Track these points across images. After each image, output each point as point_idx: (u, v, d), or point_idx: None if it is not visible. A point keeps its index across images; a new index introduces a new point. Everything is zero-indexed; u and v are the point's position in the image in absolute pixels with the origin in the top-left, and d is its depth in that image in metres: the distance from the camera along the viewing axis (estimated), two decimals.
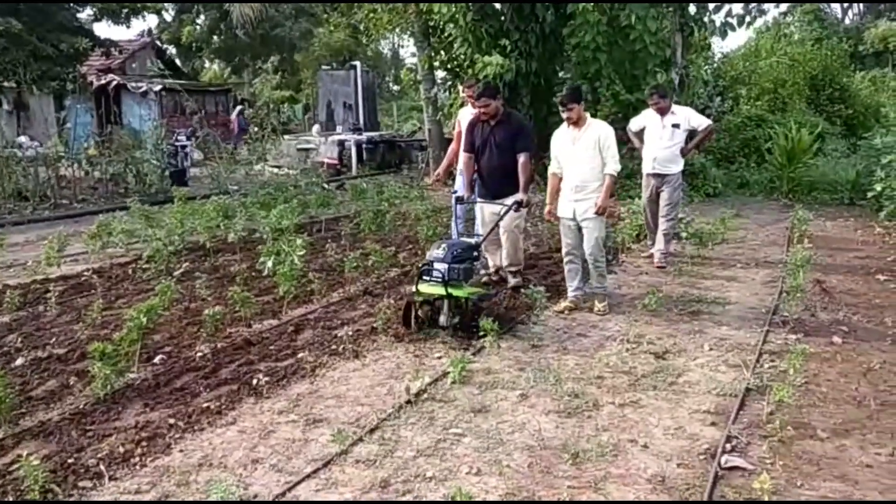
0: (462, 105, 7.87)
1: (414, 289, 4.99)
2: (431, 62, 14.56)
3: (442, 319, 4.95)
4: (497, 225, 5.83)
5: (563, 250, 5.77)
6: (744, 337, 5.06)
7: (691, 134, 7.25)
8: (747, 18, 15.29)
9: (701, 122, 7.23)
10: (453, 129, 7.70)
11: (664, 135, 7.05)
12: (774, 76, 17.45)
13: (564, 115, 5.47)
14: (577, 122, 5.47)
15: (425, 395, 4.03)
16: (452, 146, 7.12)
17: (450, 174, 7.52)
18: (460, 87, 9.62)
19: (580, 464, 3.29)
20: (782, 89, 17.23)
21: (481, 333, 4.72)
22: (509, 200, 5.74)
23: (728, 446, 3.44)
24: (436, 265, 4.92)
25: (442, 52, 14.39)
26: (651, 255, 7.41)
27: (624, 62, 12.01)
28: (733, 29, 13.43)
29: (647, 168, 7.28)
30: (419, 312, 5.08)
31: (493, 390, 4.13)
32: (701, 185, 11.94)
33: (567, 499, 3.00)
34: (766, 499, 2.95)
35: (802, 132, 12.49)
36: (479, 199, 6.19)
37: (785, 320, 5.37)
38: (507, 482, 3.14)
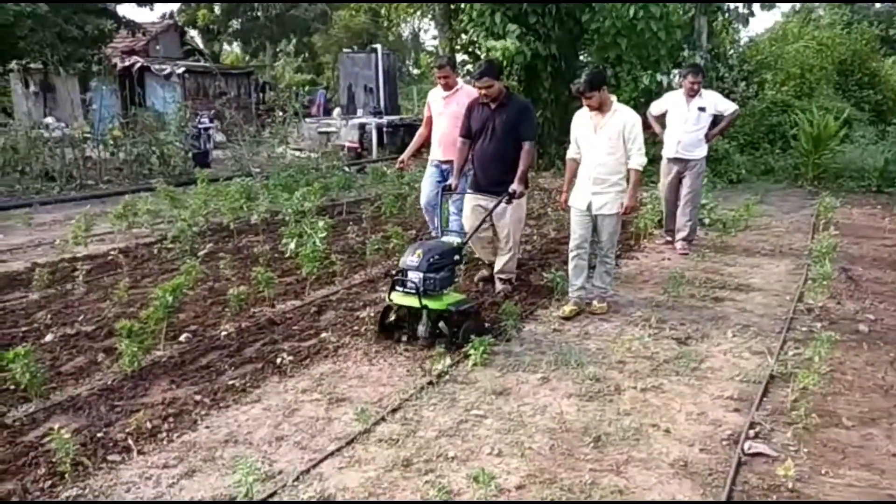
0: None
1: (387, 298, 4.57)
2: (452, 45, 14.47)
3: (421, 330, 4.47)
4: (484, 221, 5.27)
5: (572, 243, 5.23)
6: (768, 324, 5.02)
7: (715, 119, 7.10)
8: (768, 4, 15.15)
9: (727, 106, 7.06)
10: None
11: (689, 118, 6.87)
12: (801, 61, 17.14)
13: (585, 104, 5.03)
14: (600, 108, 5.00)
15: (447, 377, 4.06)
16: (421, 131, 6.48)
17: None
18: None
19: (602, 447, 3.30)
20: (809, 74, 16.94)
21: (469, 342, 4.30)
22: None
23: (751, 433, 3.42)
24: (410, 274, 4.38)
25: (462, 36, 14.29)
26: (667, 243, 7.33)
27: (646, 46, 11.87)
28: (747, 20, 13.35)
29: (669, 152, 7.09)
30: (396, 321, 4.64)
31: (514, 373, 4.15)
32: (724, 171, 11.81)
33: (589, 481, 3.01)
34: (791, 486, 2.94)
35: (829, 118, 12.27)
36: (468, 191, 5.56)
37: (810, 308, 5.32)
38: (529, 464, 3.15)
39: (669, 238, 7.34)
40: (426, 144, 6.45)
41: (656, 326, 4.91)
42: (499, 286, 5.75)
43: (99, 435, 3.38)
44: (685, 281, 5.82)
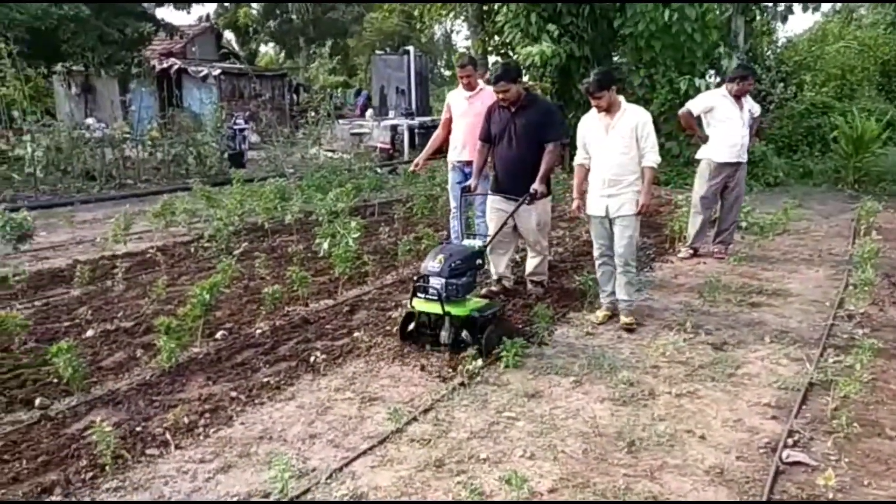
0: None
1: (409, 304, 4.51)
2: (485, 47, 14.46)
3: (444, 336, 4.37)
4: (506, 223, 5.16)
5: (596, 252, 5.16)
6: (806, 330, 4.91)
7: None
8: (811, 6, 14.82)
9: (758, 108, 7.11)
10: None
11: (745, 120, 6.71)
12: (842, 62, 16.72)
13: (594, 104, 4.87)
14: (608, 109, 4.84)
15: (478, 378, 4.05)
16: (438, 132, 6.34)
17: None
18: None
19: (636, 452, 3.27)
20: (850, 75, 16.53)
21: (494, 349, 4.31)
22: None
23: (790, 441, 3.35)
24: (431, 280, 4.29)
25: (495, 37, 14.27)
26: (692, 255, 7.03)
27: (681, 48, 11.70)
28: (786, 18, 13.08)
29: (725, 156, 6.65)
30: (419, 327, 4.54)
31: (546, 376, 4.12)
32: (762, 173, 11.57)
33: (623, 486, 2.98)
34: (831, 496, 2.87)
35: (871, 120, 11.95)
36: (489, 193, 5.47)
37: (850, 314, 5.19)
38: (562, 467, 3.13)
39: (693, 251, 7.02)
40: (443, 147, 6.31)
41: (691, 331, 4.84)
42: (530, 288, 5.73)
43: (138, 429, 3.46)
44: (721, 285, 5.72)
